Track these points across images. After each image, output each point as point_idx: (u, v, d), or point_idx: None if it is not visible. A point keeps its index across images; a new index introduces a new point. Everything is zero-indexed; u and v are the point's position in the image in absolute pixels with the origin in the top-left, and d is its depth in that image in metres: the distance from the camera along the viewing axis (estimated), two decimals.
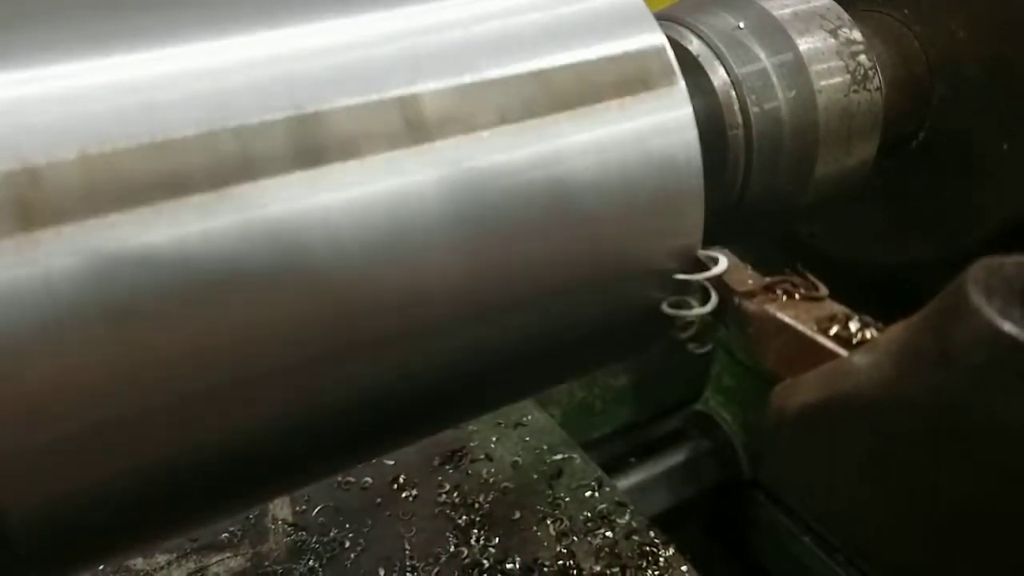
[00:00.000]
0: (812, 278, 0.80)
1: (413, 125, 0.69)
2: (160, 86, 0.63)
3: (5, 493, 0.58)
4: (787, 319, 0.74)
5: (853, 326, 0.72)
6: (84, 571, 1.01)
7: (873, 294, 0.89)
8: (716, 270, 0.77)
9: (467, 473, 1.36)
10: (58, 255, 0.56)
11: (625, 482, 1.73)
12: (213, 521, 0.84)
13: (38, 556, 0.64)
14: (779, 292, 0.78)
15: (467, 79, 0.72)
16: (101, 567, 1.18)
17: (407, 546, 1.23)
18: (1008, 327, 0.51)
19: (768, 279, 0.80)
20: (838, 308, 0.76)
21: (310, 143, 0.65)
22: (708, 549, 1.88)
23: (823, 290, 0.78)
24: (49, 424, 0.58)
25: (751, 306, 0.78)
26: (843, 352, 0.69)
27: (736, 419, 1.87)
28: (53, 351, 0.57)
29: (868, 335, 0.71)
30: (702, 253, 0.82)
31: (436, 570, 1.20)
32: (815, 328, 0.73)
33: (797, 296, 0.78)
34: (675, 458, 1.86)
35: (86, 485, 0.62)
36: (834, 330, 0.72)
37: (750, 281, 0.81)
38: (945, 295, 0.56)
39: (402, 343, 0.71)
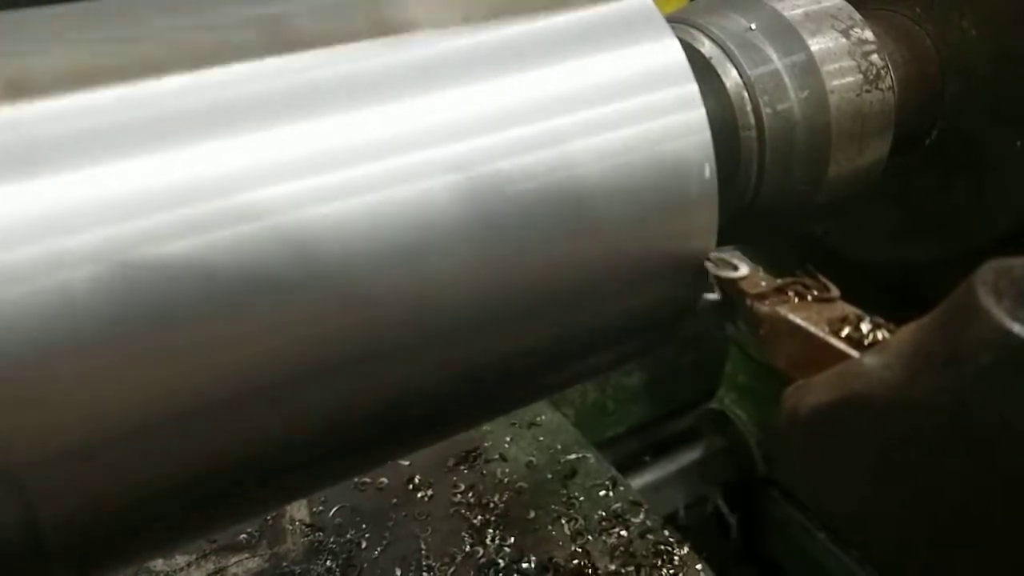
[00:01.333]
0: (824, 279, 0.79)
1: (425, 131, 0.69)
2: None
3: (38, 498, 0.59)
4: (799, 321, 0.74)
5: (865, 327, 0.72)
6: (112, 572, 1.02)
7: (886, 294, 0.89)
8: (737, 275, 0.80)
9: (482, 473, 1.37)
10: (81, 265, 0.57)
11: (640, 480, 1.73)
12: (237, 523, 0.85)
13: (68, 558, 0.64)
14: (791, 294, 0.78)
15: (477, 85, 0.73)
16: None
17: (423, 546, 1.24)
18: (1017, 328, 0.50)
19: (780, 281, 0.80)
20: (850, 309, 0.76)
21: (324, 150, 0.66)
22: (723, 547, 1.89)
23: (835, 291, 0.78)
24: (79, 430, 0.59)
25: (763, 308, 0.78)
26: (854, 353, 0.69)
27: (751, 417, 1.87)
28: (79, 360, 0.57)
29: (880, 336, 0.71)
30: (714, 255, 0.82)
31: (452, 570, 1.21)
32: (827, 330, 0.72)
33: (809, 298, 0.78)
34: (690, 456, 1.87)
35: (115, 490, 0.62)
36: (846, 331, 0.72)
37: (763, 283, 0.80)
38: (954, 297, 0.55)
39: (419, 350, 0.71)
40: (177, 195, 0.61)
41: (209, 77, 0.66)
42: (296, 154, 0.65)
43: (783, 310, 0.77)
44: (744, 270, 0.80)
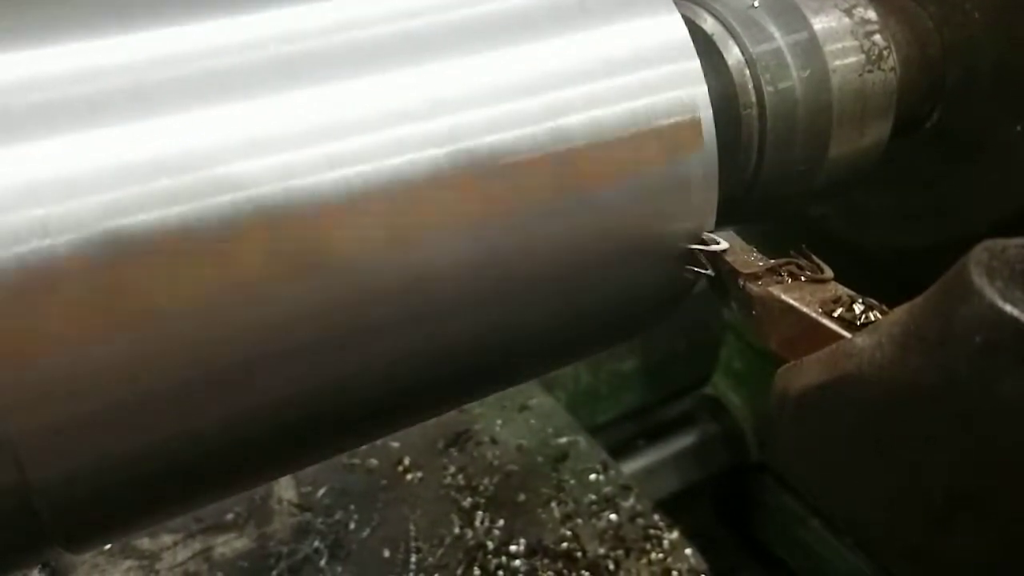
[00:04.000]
0: (817, 260, 0.79)
1: (419, 103, 0.68)
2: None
3: (30, 467, 0.58)
4: (791, 301, 0.73)
5: (857, 308, 0.71)
6: (107, 543, 1.02)
7: (884, 281, 0.88)
8: (719, 248, 0.79)
9: (472, 456, 1.37)
10: (65, 232, 0.56)
11: (633, 465, 1.73)
12: (228, 495, 0.85)
13: (62, 528, 0.64)
14: (784, 274, 0.77)
15: (473, 57, 0.71)
16: (108, 546, 1.19)
17: (412, 528, 1.24)
18: (1010, 308, 0.50)
19: (773, 261, 0.79)
20: (843, 290, 0.75)
21: (311, 121, 0.65)
22: (715, 532, 1.89)
23: (828, 272, 0.77)
24: (71, 401, 0.58)
25: (755, 288, 0.77)
26: (846, 334, 0.68)
27: (745, 403, 1.87)
28: (71, 330, 0.57)
29: (872, 317, 0.70)
30: (707, 235, 0.81)
31: (441, 551, 1.20)
32: (819, 310, 0.72)
33: (802, 278, 0.77)
34: (683, 442, 1.87)
35: (109, 459, 0.62)
36: (838, 312, 0.71)
37: (760, 263, 0.80)
38: (947, 277, 0.55)
39: (409, 325, 0.70)
40: (159, 165, 0.60)
41: (192, 46, 0.65)
42: (282, 125, 0.64)
43: (775, 290, 0.76)
44: (725, 244, 0.80)
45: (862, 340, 0.63)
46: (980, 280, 0.52)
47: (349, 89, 0.67)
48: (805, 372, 0.68)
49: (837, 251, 0.85)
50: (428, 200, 0.67)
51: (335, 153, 0.65)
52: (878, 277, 0.86)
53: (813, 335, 0.71)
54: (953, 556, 0.62)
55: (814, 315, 0.72)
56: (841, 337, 0.68)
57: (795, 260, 0.79)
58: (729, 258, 0.80)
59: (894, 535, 0.66)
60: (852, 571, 1.71)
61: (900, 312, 0.61)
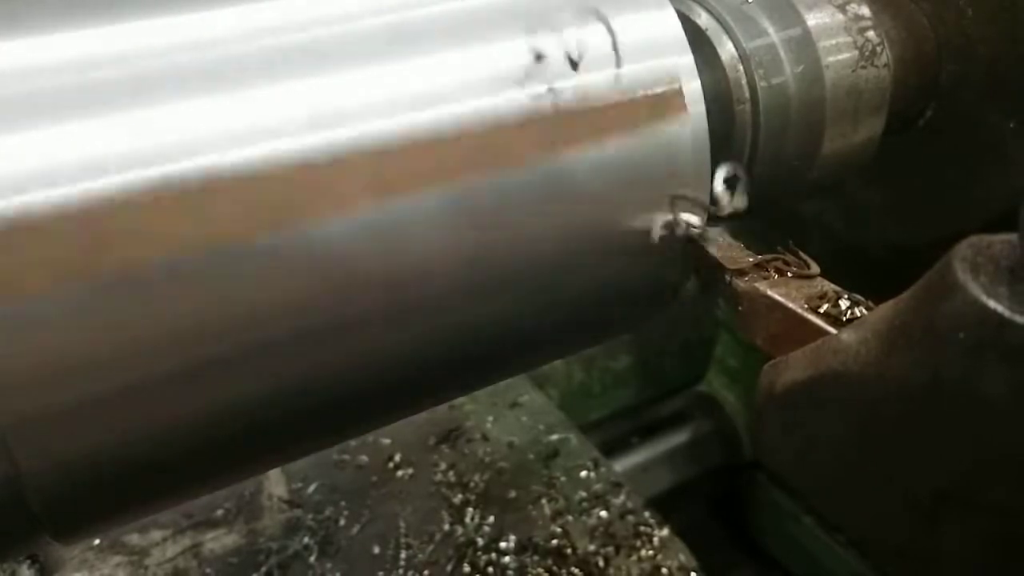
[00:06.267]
0: (804, 256, 0.78)
1: (398, 96, 0.68)
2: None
3: (20, 456, 0.58)
4: (777, 297, 0.73)
5: (843, 304, 0.71)
6: (97, 534, 1.01)
7: (880, 277, 0.87)
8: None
9: (463, 452, 1.37)
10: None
11: (626, 463, 1.73)
12: (218, 488, 0.86)
13: (52, 517, 0.64)
14: (770, 270, 0.77)
15: (457, 48, 0.71)
16: (97, 541, 1.19)
17: (402, 524, 1.24)
18: (993, 304, 0.50)
19: (760, 257, 0.79)
20: (829, 286, 0.75)
21: (293, 114, 0.64)
22: (709, 529, 1.90)
23: (815, 268, 0.77)
24: (60, 388, 0.58)
25: (741, 284, 0.77)
26: (832, 330, 0.68)
27: (740, 400, 1.87)
28: (60, 318, 0.57)
29: (858, 313, 0.70)
30: (694, 230, 0.81)
31: (431, 548, 1.20)
32: (805, 306, 0.72)
33: (789, 274, 0.77)
34: (677, 439, 1.87)
35: (99, 448, 0.62)
36: (824, 308, 0.71)
37: (748, 259, 0.79)
38: (932, 273, 0.55)
39: (393, 320, 0.70)
40: (143, 156, 0.59)
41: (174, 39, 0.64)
42: (262, 118, 0.64)
43: (762, 286, 0.76)
44: (697, 220, 0.79)
45: (847, 336, 0.63)
46: (964, 276, 0.52)
47: (332, 83, 0.66)
48: (790, 368, 0.68)
49: (829, 247, 0.85)
50: (407, 193, 0.67)
51: (318, 144, 0.64)
52: (871, 273, 0.85)
53: (799, 331, 0.70)
54: (940, 553, 0.61)
55: (800, 311, 0.71)
56: (827, 333, 0.68)
57: (782, 256, 0.79)
58: (716, 254, 0.80)
59: (881, 532, 0.66)
60: (845, 568, 1.71)
61: (885, 308, 0.61)
